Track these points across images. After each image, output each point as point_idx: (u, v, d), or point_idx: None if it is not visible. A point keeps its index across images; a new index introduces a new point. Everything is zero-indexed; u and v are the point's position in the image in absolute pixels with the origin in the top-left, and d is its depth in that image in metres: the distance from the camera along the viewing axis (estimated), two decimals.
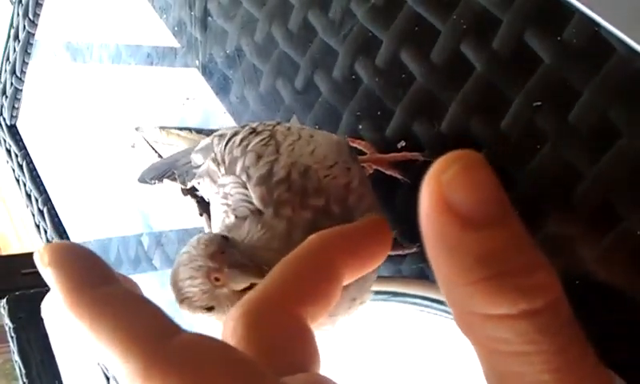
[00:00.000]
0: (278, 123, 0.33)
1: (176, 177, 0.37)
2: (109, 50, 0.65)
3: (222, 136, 0.33)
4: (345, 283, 0.25)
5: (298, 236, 0.27)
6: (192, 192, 0.33)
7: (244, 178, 0.30)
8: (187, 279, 0.26)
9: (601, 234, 0.29)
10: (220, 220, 0.31)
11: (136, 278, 0.64)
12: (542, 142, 0.31)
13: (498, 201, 0.14)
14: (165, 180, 0.38)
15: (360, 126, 0.39)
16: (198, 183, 0.33)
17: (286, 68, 0.44)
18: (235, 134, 0.32)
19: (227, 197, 0.30)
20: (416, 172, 0.36)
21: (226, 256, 0.26)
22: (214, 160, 0.32)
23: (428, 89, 0.36)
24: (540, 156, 0.31)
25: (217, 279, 0.26)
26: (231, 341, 0.20)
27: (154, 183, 0.39)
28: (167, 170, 0.38)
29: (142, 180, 0.40)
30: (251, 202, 0.29)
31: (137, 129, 0.49)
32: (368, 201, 0.30)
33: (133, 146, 0.50)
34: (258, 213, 0.29)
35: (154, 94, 0.58)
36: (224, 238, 0.28)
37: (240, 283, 0.27)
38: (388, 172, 0.37)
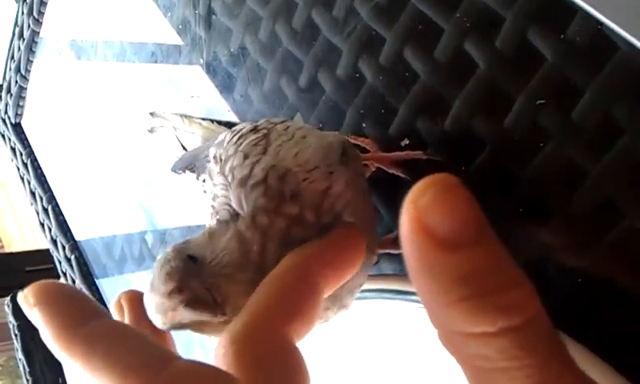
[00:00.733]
0: (283, 122, 0.33)
1: (195, 169, 0.37)
2: (113, 48, 0.65)
3: (234, 131, 0.33)
4: (325, 296, 0.26)
5: (272, 249, 0.27)
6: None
7: (229, 178, 0.29)
8: (152, 308, 0.26)
9: (603, 231, 0.29)
10: (208, 222, 0.30)
11: (140, 275, 0.65)
12: (545, 140, 0.31)
13: (474, 222, 0.15)
14: (187, 171, 0.38)
15: (364, 124, 0.39)
16: (204, 180, 0.33)
17: (289, 66, 0.45)
18: (242, 128, 0.32)
19: (215, 198, 0.30)
20: (419, 170, 0.36)
21: (183, 293, 0.26)
22: (215, 157, 0.32)
23: (431, 87, 0.36)
24: (543, 154, 0.31)
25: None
26: (223, 367, 0.20)
27: (180, 173, 0.39)
28: (191, 162, 0.38)
29: (174, 170, 0.40)
30: (231, 205, 0.29)
31: (151, 114, 0.49)
32: (343, 202, 0.29)
33: (150, 131, 0.50)
34: (236, 217, 0.28)
35: (158, 92, 0.58)
36: (190, 259, 0.27)
37: (192, 319, 0.26)
38: (390, 170, 0.37)
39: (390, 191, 0.38)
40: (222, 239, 0.28)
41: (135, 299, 0.33)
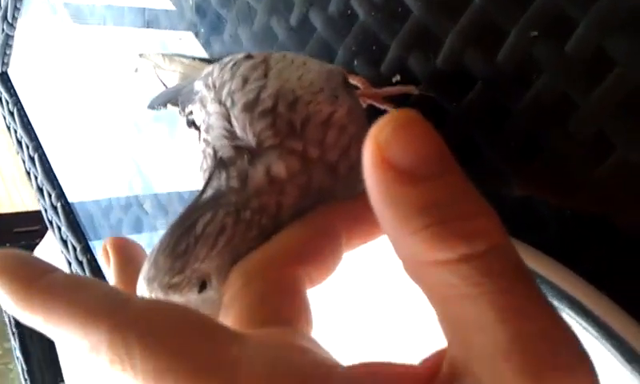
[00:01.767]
0: (278, 53, 0.32)
1: (178, 103, 0.36)
2: (112, 11, 0.64)
3: (222, 62, 0.32)
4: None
5: (290, 201, 0.26)
6: (195, 124, 0.32)
7: (228, 103, 0.28)
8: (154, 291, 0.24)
9: (595, 163, 0.29)
10: (200, 162, 0.29)
11: (137, 238, 0.64)
12: (538, 72, 0.31)
13: (435, 154, 0.15)
14: (168, 105, 0.38)
15: (355, 62, 0.39)
16: (191, 112, 0.31)
17: (280, 5, 0.44)
18: (233, 58, 0.31)
19: (209, 130, 0.28)
20: (410, 106, 0.35)
21: (183, 285, 0.24)
22: (207, 85, 0.30)
23: (424, 22, 0.35)
24: (535, 87, 0.31)
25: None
26: (229, 293, 0.22)
27: (160, 109, 0.38)
28: (173, 97, 0.37)
29: (151, 106, 0.40)
30: (233, 136, 0.27)
31: (140, 55, 0.49)
32: (350, 133, 0.28)
33: (136, 71, 0.50)
34: (238, 152, 0.26)
35: (149, 35, 0.58)
36: (182, 251, 0.24)
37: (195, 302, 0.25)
38: (382, 106, 0.37)
39: None
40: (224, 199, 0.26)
41: (120, 245, 0.33)
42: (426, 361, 0.18)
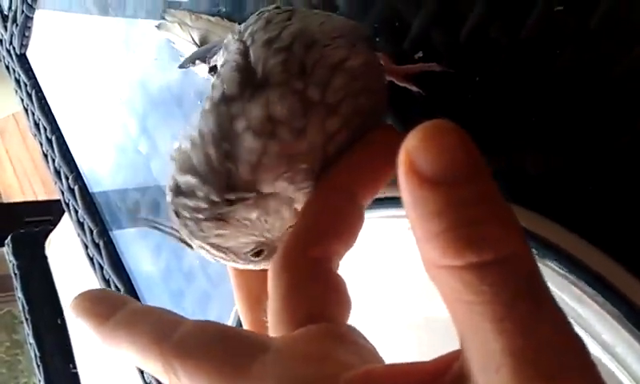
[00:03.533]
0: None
1: (207, 61, 0.36)
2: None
3: (252, 16, 0.32)
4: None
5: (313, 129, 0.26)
6: (215, 68, 0.32)
7: (249, 41, 0.28)
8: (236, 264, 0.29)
9: (618, 134, 0.29)
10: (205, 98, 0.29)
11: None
12: (561, 47, 0.31)
13: (459, 162, 0.16)
14: (197, 61, 0.38)
15: (377, 39, 0.39)
16: (215, 59, 0.32)
17: None
18: (262, 11, 0.31)
19: (224, 65, 0.28)
20: (432, 84, 0.36)
21: (262, 254, 0.28)
22: (233, 34, 0.30)
23: None
24: (560, 61, 0.31)
25: None
26: (271, 276, 0.24)
27: (189, 66, 0.39)
28: (203, 55, 0.38)
29: (183, 66, 0.40)
30: (244, 70, 0.27)
31: (165, 11, 0.49)
32: (360, 82, 0.28)
33: (158, 27, 0.50)
34: (243, 88, 0.26)
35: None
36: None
37: None
38: (402, 84, 0.37)
39: (402, 106, 0.38)
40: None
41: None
42: (438, 358, 0.19)
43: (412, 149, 0.16)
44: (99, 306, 0.22)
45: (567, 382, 0.14)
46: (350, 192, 0.26)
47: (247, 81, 0.27)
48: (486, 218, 0.15)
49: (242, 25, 0.31)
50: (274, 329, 0.23)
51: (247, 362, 0.19)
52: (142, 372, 0.70)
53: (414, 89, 0.36)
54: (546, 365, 0.14)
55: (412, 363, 0.19)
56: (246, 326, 0.30)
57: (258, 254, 0.28)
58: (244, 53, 0.28)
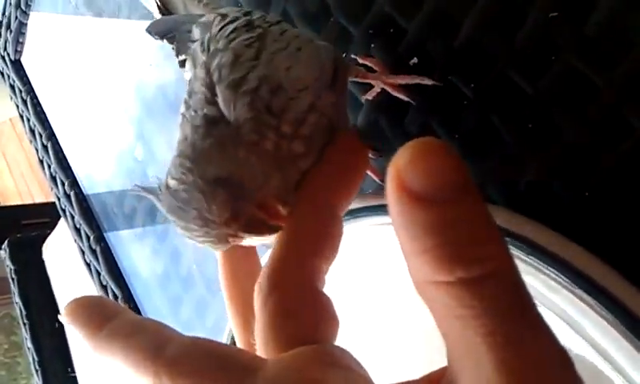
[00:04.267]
0: (279, 22, 0.32)
1: (174, 42, 0.36)
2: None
3: (223, 16, 0.32)
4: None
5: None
6: (185, 65, 0.32)
7: (215, 76, 0.29)
8: (214, 239, 0.28)
9: (613, 145, 0.29)
10: (179, 121, 0.30)
11: (152, 228, 0.64)
12: (556, 54, 0.31)
13: (447, 180, 0.16)
14: (165, 40, 0.37)
15: (372, 45, 0.39)
16: (184, 59, 0.32)
17: None
18: (235, 20, 0.31)
19: (192, 94, 0.29)
20: (424, 94, 0.36)
21: (240, 220, 0.27)
22: (202, 43, 0.31)
23: (442, 5, 0.35)
24: (554, 69, 0.31)
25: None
26: (257, 300, 0.23)
27: (157, 38, 0.38)
28: (170, 31, 0.37)
29: (149, 32, 0.39)
30: (212, 103, 0.28)
31: None
32: (325, 119, 0.29)
33: None
34: (221, 120, 0.28)
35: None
36: (233, 189, 0.27)
37: (254, 241, 0.28)
38: (394, 93, 0.37)
39: (394, 114, 0.38)
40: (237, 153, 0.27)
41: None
42: (424, 377, 0.19)
43: (402, 167, 0.16)
44: (93, 314, 0.22)
45: None
46: (329, 206, 0.26)
47: (214, 122, 0.28)
48: (474, 236, 0.16)
49: (213, 29, 0.31)
50: (261, 350, 0.23)
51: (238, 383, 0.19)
52: None
53: (406, 98, 0.36)
54: (536, 379, 0.15)
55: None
56: (239, 344, 0.30)
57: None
58: (211, 87, 0.28)
